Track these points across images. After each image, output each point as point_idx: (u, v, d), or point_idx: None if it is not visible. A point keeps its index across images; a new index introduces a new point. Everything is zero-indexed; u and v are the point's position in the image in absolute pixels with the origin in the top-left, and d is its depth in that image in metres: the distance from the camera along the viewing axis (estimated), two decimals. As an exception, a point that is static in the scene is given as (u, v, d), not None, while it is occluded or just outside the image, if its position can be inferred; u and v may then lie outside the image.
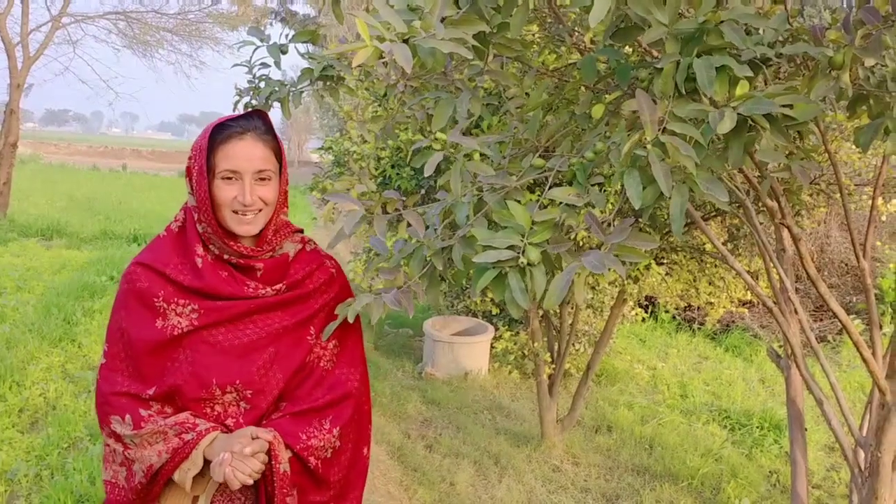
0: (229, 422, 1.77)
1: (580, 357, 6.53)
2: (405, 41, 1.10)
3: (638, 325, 8.28)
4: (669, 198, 1.13)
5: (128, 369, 1.79)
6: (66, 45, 16.73)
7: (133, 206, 18.13)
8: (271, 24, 21.79)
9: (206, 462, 1.71)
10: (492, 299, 6.29)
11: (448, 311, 7.19)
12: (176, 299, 1.77)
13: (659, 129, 1.15)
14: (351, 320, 1.78)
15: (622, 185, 1.23)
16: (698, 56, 1.23)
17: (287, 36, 2.14)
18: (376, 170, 5.64)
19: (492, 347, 6.67)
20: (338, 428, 1.83)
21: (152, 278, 1.80)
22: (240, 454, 1.64)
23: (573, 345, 6.12)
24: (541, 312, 5.10)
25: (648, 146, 1.14)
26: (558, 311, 5.17)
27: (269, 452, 1.71)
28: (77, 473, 3.97)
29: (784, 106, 1.15)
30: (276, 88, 2.16)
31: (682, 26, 1.24)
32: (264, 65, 2.21)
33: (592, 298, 6.14)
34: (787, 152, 1.33)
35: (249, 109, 2.21)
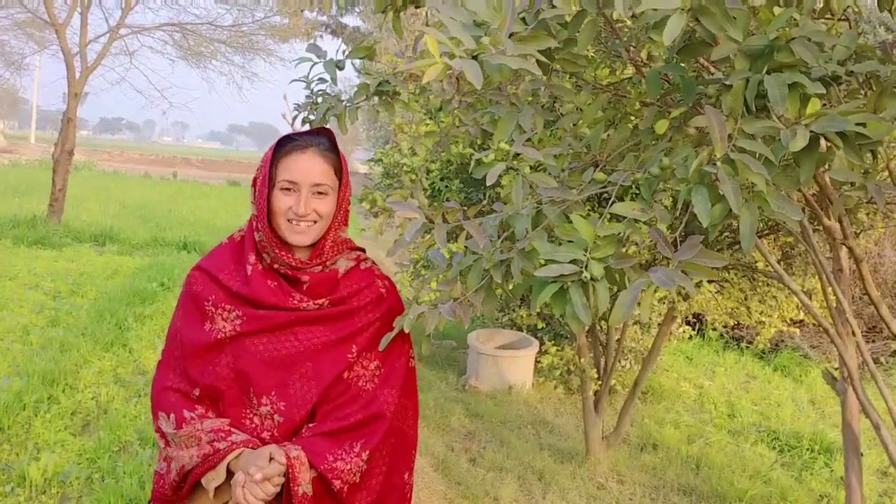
0: (265, 435, 1.82)
1: (626, 374, 6.47)
2: (473, 57, 1.11)
3: (685, 343, 8.17)
4: (738, 216, 1.12)
5: (178, 368, 1.88)
6: (122, 55, 17.07)
7: (183, 214, 18.41)
8: (321, 37, 22.05)
9: (232, 473, 1.75)
10: (538, 313, 6.26)
11: (493, 324, 7.17)
12: (224, 304, 1.85)
13: (728, 146, 1.14)
14: (407, 330, 1.80)
15: (684, 202, 1.23)
16: (768, 73, 1.22)
17: (344, 52, 2.17)
18: (425, 182, 5.68)
19: (536, 362, 6.63)
20: (367, 452, 1.82)
21: (207, 282, 1.89)
22: (252, 477, 1.67)
23: (619, 361, 6.06)
24: (586, 328, 5.06)
25: (718, 163, 1.13)
26: (605, 327, 5.13)
27: (288, 474, 1.72)
28: (127, 477, 4.02)
29: (857, 124, 1.13)
30: (333, 104, 2.18)
31: (753, 43, 1.23)
32: (322, 80, 2.24)
33: (640, 315, 6.09)
34: (862, 171, 1.31)
35: (307, 124, 2.26)
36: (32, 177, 24.38)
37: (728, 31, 1.19)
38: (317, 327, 1.85)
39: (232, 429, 1.80)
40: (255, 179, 1.87)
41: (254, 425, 1.82)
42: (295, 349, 1.83)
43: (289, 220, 1.81)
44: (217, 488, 1.77)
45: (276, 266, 1.85)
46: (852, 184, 1.85)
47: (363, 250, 2.00)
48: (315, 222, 1.82)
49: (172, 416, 1.83)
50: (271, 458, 1.71)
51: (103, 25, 16.43)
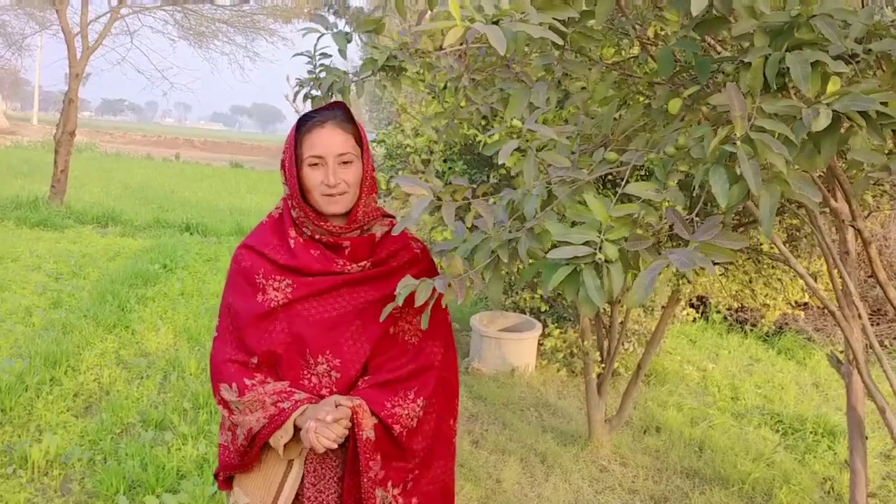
0: (324, 392, 1.94)
1: (629, 356, 6.46)
2: (494, 23, 1.08)
3: (688, 326, 8.15)
4: (758, 197, 1.09)
5: (234, 340, 2.00)
6: (123, 35, 17.05)
7: (185, 196, 18.37)
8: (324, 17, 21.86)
9: (298, 430, 1.87)
10: (541, 296, 6.23)
11: (498, 306, 7.15)
12: (273, 276, 1.98)
13: (747, 126, 1.11)
14: (399, 303, 1.79)
15: (699, 183, 1.19)
16: (788, 50, 1.18)
17: (350, 30, 2.13)
18: (426, 164, 5.63)
19: (539, 344, 6.62)
20: (422, 398, 1.97)
21: (254, 258, 2.02)
22: (323, 421, 1.80)
23: (623, 344, 6.04)
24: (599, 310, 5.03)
25: (738, 143, 1.10)
26: (609, 309, 5.11)
27: (353, 420, 1.86)
28: (129, 459, 4.03)
29: (881, 103, 1.09)
30: (338, 78, 2.16)
31: (773, 19, 1.19)
32: (324, 55, 2.21)
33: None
34: (886, 151, 1.27)
35: (310, 100, 2.26)
36: (35, 158, 24.34)
37: (757, 4, 1.15)
38: (361, 288, 1.99)
39: (293, 389, 1.93)
40: (283, 162, 1.98)
41: (311, 384, 1.95)
42: (343, 309, 1.97)
43: (322, 194, 1.92)
44: (285, 446, 1.90)
45: (317, 237, 1.97)
46: (862, 167, 1.81)
47: (393, 217, 2.12)
48: (345, 192, 1.93)
49: (234, 385, 1.93)
50: (337, 405, 1.85)
51: (104, 5, 16.33)
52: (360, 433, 1.86)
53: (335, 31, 2.09)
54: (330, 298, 1.97)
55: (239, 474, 2.05)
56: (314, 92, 2.23)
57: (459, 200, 1.59)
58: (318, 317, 1.96)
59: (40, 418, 4.52)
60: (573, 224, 1.28)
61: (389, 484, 1.94)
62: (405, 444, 1.95)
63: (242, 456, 1.97)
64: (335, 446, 1.82)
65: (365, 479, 1.88)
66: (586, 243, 1.23)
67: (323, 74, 2.21)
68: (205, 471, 3.99)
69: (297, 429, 1.88)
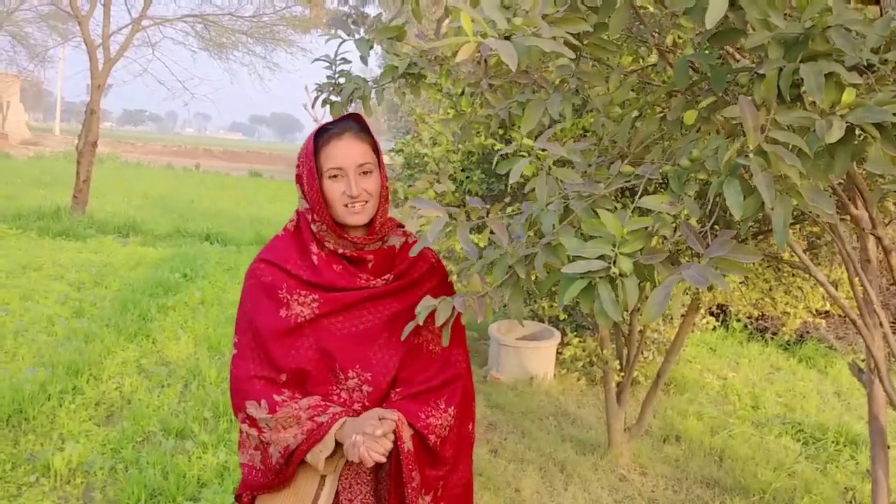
0: (356, 406, 1.94)
1: (649, 365, 6.43)
2: (506, 38, 1.09)
3: (708, 334, 8.10)
4: (772, 209, 1.09)
5: (259, 356, 1.96)
6: (145, 46, 17.20)
7: (205, 206, 18.48)
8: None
9: (337, 444, 1.85)
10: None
11: (521, 319, 7.14)
12: (298, 290, 1.96)
13: (761, 138, 1.11)
14: (421, 322, 1.82)
15: (714, 194, 1.19)
16: (802, 62, 1.18)
17: (369, 38, 2.14)
18: (450, 168, 5.65)
19: (558, 353, 6.60)
20: (453, 407, 1.99)
21: (275, 273, 1.99)
22: (371, 435, 1.79)
23: (642, 352, 6.01)
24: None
25: (751, 155, 1.10)
26: (628, 318, 5.09)
27: (395, 433, 1.85)
28: (150, 468, 4.05)
29: (894, 114, 1.09)
30: (360, 85, 2.17)
31: (787, 30, 1.19)
32: (345, 60, 2.22)
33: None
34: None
35: (328, 106, 2.27)
36: (57, 168, 24.56)
37: (770, 18, 1.15)
38: (386, 300, 2.00)
39: (328, 403, 1.92)
40: (298, 176, 1.98)
41: (342, 400, 1.94)
42: (371, 322, 1.97)
43: (344, 205, 1.92)
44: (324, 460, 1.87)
45: (340, 251, 1.97)
46: (880, 176, 1.80)
47: (404, 227, 2.13)
48: (367, 201, 1.93)
49: (264, 402, 1.90)
50: (381, 419, 1.83)
51: (126, 17, 16.54)
52: (403, 445, 1.86)
53: (357, 37, 2.10)
54: (356, 312, 1.97)
55: (264, 494, 2.00)
56: (333, 98, 2.24)
57: (475, 220, 1.60)
58: (346, 331, 1.96)
59: (63, 427, 4.56)
60: (587, 238, 1.28)
61: (423, 491, 1.96)
62: (439, 453, 1.96)
63: (277, 475, 1.92)
64: (384, 460, 1.82)
65: (409, 490, 1.89)
66: (601, 257, 1.23)
67: (342, 80, 2.22)
68: (225, 479, 4.01)
69: (337, 443, 1.86)
